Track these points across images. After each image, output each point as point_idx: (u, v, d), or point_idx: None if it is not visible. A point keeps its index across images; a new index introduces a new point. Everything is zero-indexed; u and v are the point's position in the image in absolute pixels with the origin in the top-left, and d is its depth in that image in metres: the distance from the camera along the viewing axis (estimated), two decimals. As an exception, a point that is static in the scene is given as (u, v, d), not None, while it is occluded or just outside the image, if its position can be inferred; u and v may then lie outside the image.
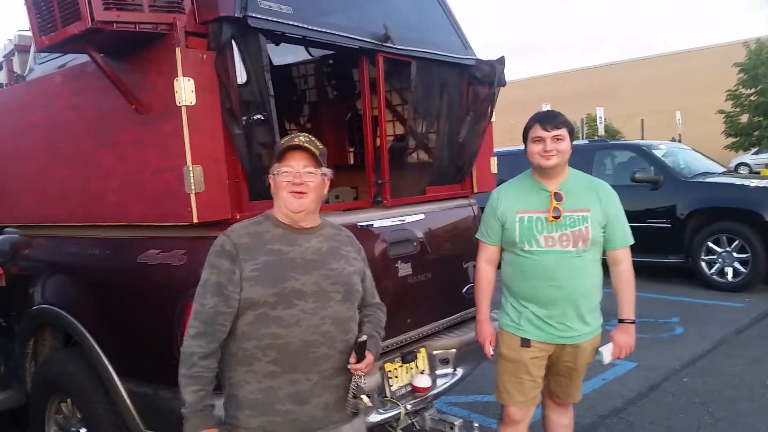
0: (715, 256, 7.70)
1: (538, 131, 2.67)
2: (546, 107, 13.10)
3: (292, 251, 2.03)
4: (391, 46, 3.10)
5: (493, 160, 3.93)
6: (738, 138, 25.14)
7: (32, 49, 3.46)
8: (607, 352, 2.79)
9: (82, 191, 2.92)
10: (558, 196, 2.67)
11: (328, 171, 2.09)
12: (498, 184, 3.09)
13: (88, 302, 2.96)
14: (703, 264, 7.78)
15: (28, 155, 3.23)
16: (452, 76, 3.56)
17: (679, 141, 13.09)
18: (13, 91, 3.46)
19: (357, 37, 2.95)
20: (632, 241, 2.78)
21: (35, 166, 3.20)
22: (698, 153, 9.49)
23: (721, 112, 25.29)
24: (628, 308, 2.78)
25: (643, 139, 13.80)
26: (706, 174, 8.40)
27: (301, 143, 2.02)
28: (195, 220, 2.42)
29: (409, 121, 3.47)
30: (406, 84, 3.43)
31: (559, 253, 2.66)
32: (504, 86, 3.63)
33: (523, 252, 2.71)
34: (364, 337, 2.03)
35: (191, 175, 2.39)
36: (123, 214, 2.74)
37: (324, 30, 2.80)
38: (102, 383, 2.81)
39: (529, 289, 2.71)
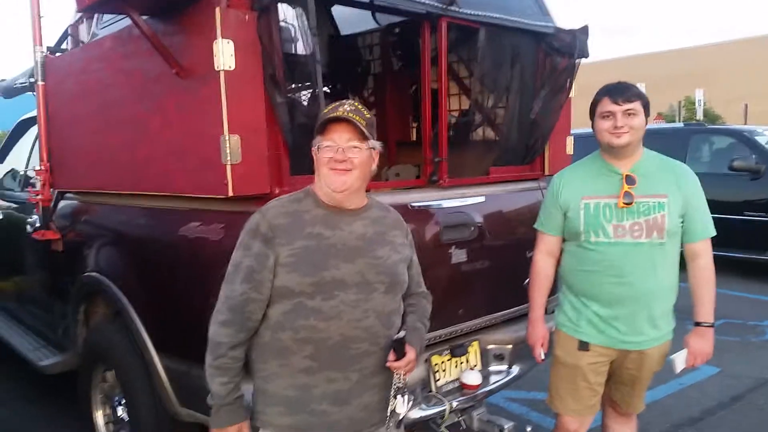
0: (821, 256, 6.98)
1: (607, 105, 2.33)
2: (641, 88, 12.29)
3: (333, 236, 1.82)
4: (457, 10, 2.84)
5: (570, 140, 3.58)
6: None
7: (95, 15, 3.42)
8: (680, 360, 2.45)
9: (130, 159, 2.86)
10: (630, 180, 2.34)
11: (376, 144, 1.84)
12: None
13: (130, 272, 2.91)
14: (806, 263, 7.08)
15: (83, 121, 3.20)
16: (526, 45, 3.25)
17: (787, 127, 11.98)
18: (70, 57, 3.44)
19: (417, 0, 2.70)
20: (714, 233, 2.42)
21: (89, 132, 3.17)
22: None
23: (838, 96, 23.13)
24: (706, 310, 2.42)
25: (746, 124, 12.74)
26: (815, 164, 7.60)
27: (344, 113, 1.78)
28: (230, 194, 2.28)
29: (475, 95, 3.20)
30: (473, 53, 3.15)
31: (629, 245, 2.34)
32: (587, 57, 3.29)
33: (588, 244, 2.41)
34: (402, 334, 1.84)
35: (227, 145, 2.25)
36: (167, 184, 2.65)
37: (378, -9, 2.57)
38: (141, 356, 2.75)
39: (591, 285, 2.41)
